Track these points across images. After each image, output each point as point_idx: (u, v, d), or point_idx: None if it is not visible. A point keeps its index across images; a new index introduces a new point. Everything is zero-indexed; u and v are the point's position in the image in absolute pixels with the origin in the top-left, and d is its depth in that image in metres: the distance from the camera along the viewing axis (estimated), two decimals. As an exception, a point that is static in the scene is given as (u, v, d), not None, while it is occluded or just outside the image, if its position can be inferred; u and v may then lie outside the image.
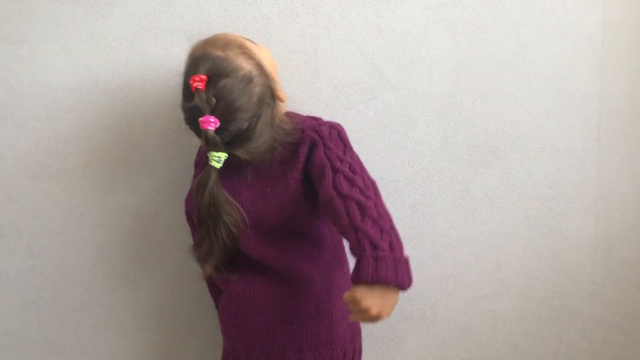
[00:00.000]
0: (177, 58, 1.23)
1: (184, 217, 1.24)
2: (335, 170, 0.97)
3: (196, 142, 1.22)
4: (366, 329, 1.34)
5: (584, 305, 1.36)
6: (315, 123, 1.07)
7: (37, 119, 1.27)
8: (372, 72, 1.26)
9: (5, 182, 1.29)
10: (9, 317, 1.34)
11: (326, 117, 1.26)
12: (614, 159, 1.32)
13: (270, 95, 1.02)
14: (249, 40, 1.07)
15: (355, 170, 0.98)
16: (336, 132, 1.05)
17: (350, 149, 1.05)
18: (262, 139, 1.00)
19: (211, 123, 0.95)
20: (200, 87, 0.96)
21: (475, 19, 1.25)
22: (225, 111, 0.96)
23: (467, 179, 1.30)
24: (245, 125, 0.98)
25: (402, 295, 1.31)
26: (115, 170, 1.29)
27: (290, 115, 1.09)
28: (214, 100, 0.96)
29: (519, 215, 1.32)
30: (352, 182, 0.95)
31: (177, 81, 1.23)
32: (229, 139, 0.98)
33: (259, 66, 1.01)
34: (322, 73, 1.26)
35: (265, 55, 1.06)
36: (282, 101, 1.06)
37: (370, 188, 0.96)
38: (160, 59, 1.25)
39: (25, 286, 1.33)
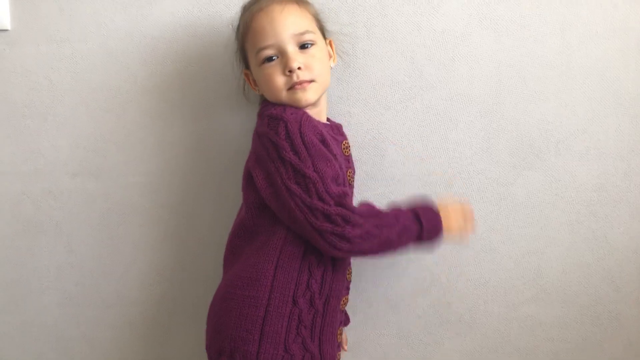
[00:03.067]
0: (215, 57, 1.24)
1: (223, 217, 1.26)
2: None
3: (231, 137, 1.24)
4: (402, 331, 1.34)
5: (628, 313, 1.33)
6: None
7: (77, 117, 1.30)
8: (412, 72, 1.25)
9: (46, 179, 1.32)
10: (48, 312, 1.38)
11: (364, 118, 1.26)
12: (663, 163, 1.29)
13: None
14: None
15: None
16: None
17: None
18: None
19: None
20: None
21: (519, 17, 1.24)
22: None
23: (509, 182, 1.28)
24: None
25: (440, 298, 1.33)
26: (153, 170, 1.31)
27: None
28: None
29: (562, 220, 1.30)
30: None
31: (217, 80, 1.25)
32: None
33: None
34: (360, 72, 1.26)
35: None
36: None
37: None
38: (199, 58, 1.26)
39: (64, 282, 1.37)
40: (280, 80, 1.05)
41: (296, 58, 1.04)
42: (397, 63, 1.25)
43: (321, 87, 1.08)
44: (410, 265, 1.31)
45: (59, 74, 1.28)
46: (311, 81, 1.05)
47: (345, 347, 1.26)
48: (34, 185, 1.33)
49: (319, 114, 1.11)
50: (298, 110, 1.05)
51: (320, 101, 1.11)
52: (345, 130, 1.23)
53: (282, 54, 1.05)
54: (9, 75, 1.29)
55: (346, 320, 1.23)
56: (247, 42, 1.09)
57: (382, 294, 1.32)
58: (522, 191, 1.30)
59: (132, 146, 1.31)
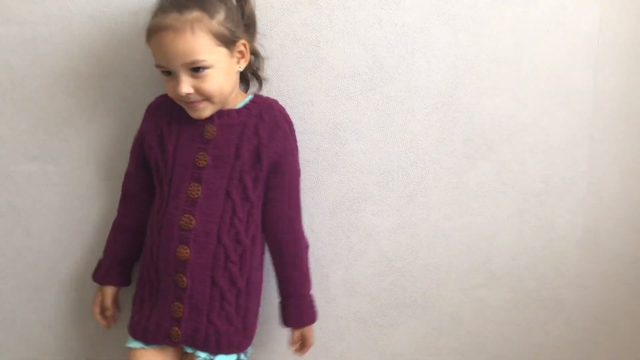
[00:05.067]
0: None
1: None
2: None
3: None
4: (359, 314, 1.39)
5: (570, 297, 1.42)
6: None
7: (37, 100, 1.30)
8: (373, 64, 1.30)
9: (4, 162, 1.33)
10: (5, 297, 1.38)
11: (325, 107, 1.31)
12: (605, 156, 1.38)
13: None
14: None
15: None
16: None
17: None
18: None
19: None
20: None
21: (476, 14, 1.30)
22: None
23: (462, 171, 1.35)
24: None
25: (395, 282, 1.39)
26: (114, 154, 1.33)
27: None
28: None
29: (512, 208, 1.38)
30: None
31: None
32: None
33: None
34: (323, 63, 1.30)
35: None
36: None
37: None
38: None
39: (21, 266, 1.37)
40: (171, 92, 1.12)
41: (184, 85, 1.08)
42: (359, 55, 1.30)
43: (217, 103, 1.13)
44: (367, 250, 1.37)
45: (19, 56, 1.28)
46: (203, 100, 1.12)
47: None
48: (-9, 168, 1.32)
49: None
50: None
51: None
52: (307, 119, 1.28)
53: (174, 74, 1.09)
54: (-34, 55, 1.28)
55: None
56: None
57: (340, 278, 1.38)
58: (474, 180, 1.37)
59: (93, 131, 1.32)
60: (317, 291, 1.36)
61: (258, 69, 1.26)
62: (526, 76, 1.34)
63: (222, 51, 1.10)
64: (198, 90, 1.09)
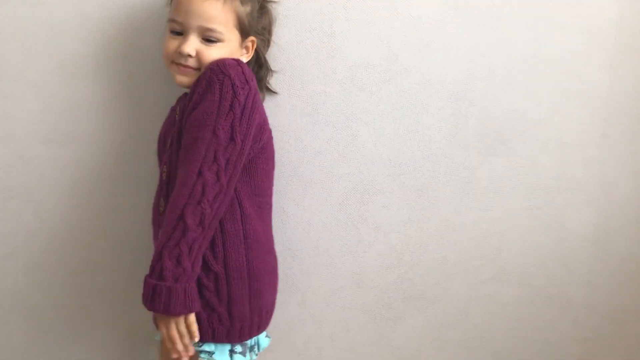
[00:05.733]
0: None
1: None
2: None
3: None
4: (366, 306, 1.40)
5: (579, 295, 1.42)
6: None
7: (50, 82, 1.30)
8: (387, 55, 1.30)
9: (17, 144, 1.33)
10: (15, 278, 1.39)
11: (339, 98, 1.30)
12: (618, 155, 1.38)
13: None
14: None
15: None
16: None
17: None
18: None
19: None
20: None
21: (493, 9, 1.29)
22: None
23: (474, 166, 1.35)
24: None
25: (403, 275, 1.39)
26: (125, 139, 1.33)
27: None
28: None
29: (522, 205, 1.37)
30: None
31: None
32: None
33: None
34: (337, 53, 1.30)
35: None
36: None
37: None
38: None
39: (32, 248, 1.38)
40: (171, 49, 1.12)
41: (190, 45, 1.09)
42: (374, 46, 1.29)
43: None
44: (376, 242, 1.37)
45: (34, 38, 1.28)
46: (196, 69, 1.11)
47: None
48: (4, 149, 1.33)
49: None
50: None
51: None
52: (320, 109, 1.28)
53: (184, 34, 1.11)
54: (-19, 36, 1.28)
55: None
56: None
57: (348, 269, 1.38)
58: (486, 176, 1.36)
59: (106, 114, 1.32)
60: (325, 281, 1.37)
61: (262, 79, 1.26)
62: (541, 72, 1.33)
63: (236, 35, 1.13)
64: (200, 56, 1.10)
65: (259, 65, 1.25)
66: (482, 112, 1.34)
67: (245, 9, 1.13)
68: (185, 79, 1.12)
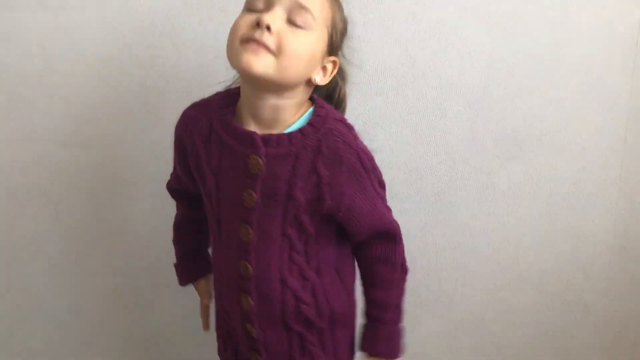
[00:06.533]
0: (211, 30, 1.26)
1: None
2: None
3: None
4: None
5: (597, 302, 1.41)
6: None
7: (70, 86, 1.32)
8: (405, 60, 1.30)
9: (36, 147, 1.35)
10: (33, 280, 1.41)
11: (355, 102, 1.30)
12: (638, 161, 1.37)
13: None
14: None
15: None
16: None
17: None
18: None
19: None
20: None
21: (512, 12, 1.29)
22: None
23: (492, 171, 1.34)
24: None
25: (420, 281, 1.39)
26: (144, 143, 1.34)
27: None
28: None
29: (540, 210, 1.37)
30: None
31: (213, 52, 1.26)
32: None
33: None
34: (354, 58, 1.28)
35: None
36: None
37: None
38: (195, 30, 1.28)
39: (50, 250, 1.40)
40: (243, 28, 0.86)
41: (274, 18, 0.85)
42: (391, 50, 1.29)
43: (278, 68, 0.86)
44: (393, 247, 1.37)
45: (54, 42, 1.30)
46: (271, 51, 0.85)
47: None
48: (23, 152, 1.35)
49: (255, 116, 0.93)
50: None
51: (265, 100, 0.91)
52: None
53: (266, 9, 0.87)
54: (2, 41, 1.30)
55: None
56: None
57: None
58: (503, 181, 1.36)
59: (125, 118, 1.34)
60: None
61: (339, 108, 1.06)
62: (561, 77, 1.32)
63: (324, 38, 0.91)
64: (280, 35, 0.85)
65: (336, 103, 1.04)
66: (500, 116, 1.33)
67: (340, 20, 0.95)
68: (255, 63, 0.84)
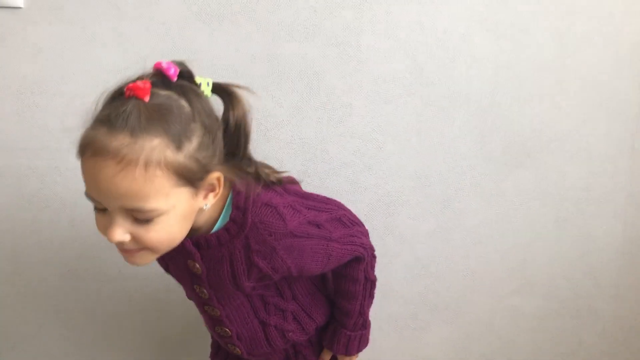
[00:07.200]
0: (222, 44, 1.28)
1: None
2: None
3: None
4: (391, 316, 1.41)
5: (606, 308, 1.42)
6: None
7: (86, 96, 1.31)
8: (413, 68, 1.31)
9: (52, 155, 1.37)
10: (49, 285, 1.44)
11: (364, 110, 1.32)
12: (647, 167, 1.36)
13: None
14: None
15: None
16: None
17: None
18: None
19: None
20: None
21: (519, 21, 1.30)
22: None
23: (500, 179, 1.35)
24: None
25: (429, 286, 1.40)
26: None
27: None
28: None
29: (549, 217, 1.37)
30: None
31: (225, 67, 1.29)
32: None
33: None
34: (363, 66, 1.31)
35: None
36: None
37: None
38: (209, 45, 1.30)
39: (66, 255, 1.42)
40: (100, 229, 0.82)
41: (117, 231, 0.76)
42: (399, 59, 1.31)
43: (158, 253, 0.82)
44: (402, 253, 1.38)
45: (70, 53, 1.33)
46: (142, 249, 0.80)
47: None
48: (40, 161, 1.38)
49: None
50: None
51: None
52: (346, 121, 1.29)
53: (105, 212, 0.79)
54: (20, 52, 1.33)
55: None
56: None
57: (374, 280, 1.40)
58: (512, 188, 1.37)
59: (138, 127, 1.36)
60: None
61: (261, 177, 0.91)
62: (568, 84, 1.33)
63: (184, 192, 0.78)
64: (137, 239, 0.78)
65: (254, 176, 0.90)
66: (508, 124, 1.34)
67: (187, 151, 0.76)
68: (137, 261, 0.82)
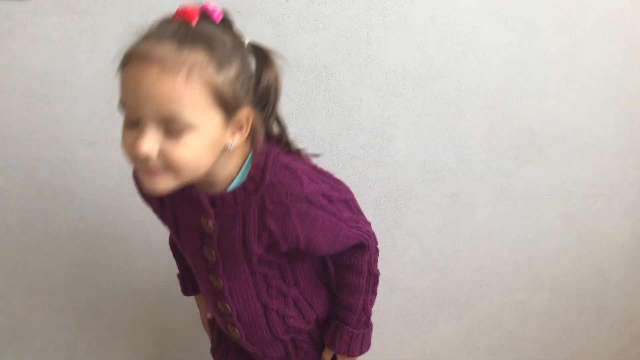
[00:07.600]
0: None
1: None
2: None
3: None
4: (399, 311, 1.41)
5: (614, 304, 1.41)
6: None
7: (95, 88, 1.35)
8: (423, 61, 1.31)
9: (62, 147, 1.38)
10: (57, 277, 1.44)
11: (374, 103, 1.31)
12: (657, 162, 1.36)
13: None
14: None
15: None
16: None
17: None
18: None
19: None
20: None
21: (528, 15, 1.30)
22: None
23: (509, 173, 1.35)
24: None
25: (437, 281, 1.40)
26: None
27: None
28: None
29: (558, 212, 1.37)
30: None
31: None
32: None
33: None
34: (373, 59, 1.31)
35: None
36: None
37: None
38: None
39: (75, 247, 1.43)
40: (128, 148, 0.79)
41: (147, 141, 0.75)
42: (410, 52, 1.31)
43: (180, 179, 0.80)
44: (410, 247, 1.38)
45: (79, 44, 1.33)
46: (166, 171, 0.79)
47: None
48: (49, 152, 1.38)
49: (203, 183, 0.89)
50: None
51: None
52: (355, 114, 1.29)
53: (139, 125, 0.77)
54: (29, 44, 1.33)
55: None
56: None
57: (382, 274, 1.38)
58: (521, 182, 1.37)
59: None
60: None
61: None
62: (578, 79, 1.33)
63: (216, 116, 0.79)
64: (164, 156, 0.77)
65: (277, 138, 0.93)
66: (517, 118, 1.34)
67: (226, 75, 0.78)
68: (157, 186, 0.80)
